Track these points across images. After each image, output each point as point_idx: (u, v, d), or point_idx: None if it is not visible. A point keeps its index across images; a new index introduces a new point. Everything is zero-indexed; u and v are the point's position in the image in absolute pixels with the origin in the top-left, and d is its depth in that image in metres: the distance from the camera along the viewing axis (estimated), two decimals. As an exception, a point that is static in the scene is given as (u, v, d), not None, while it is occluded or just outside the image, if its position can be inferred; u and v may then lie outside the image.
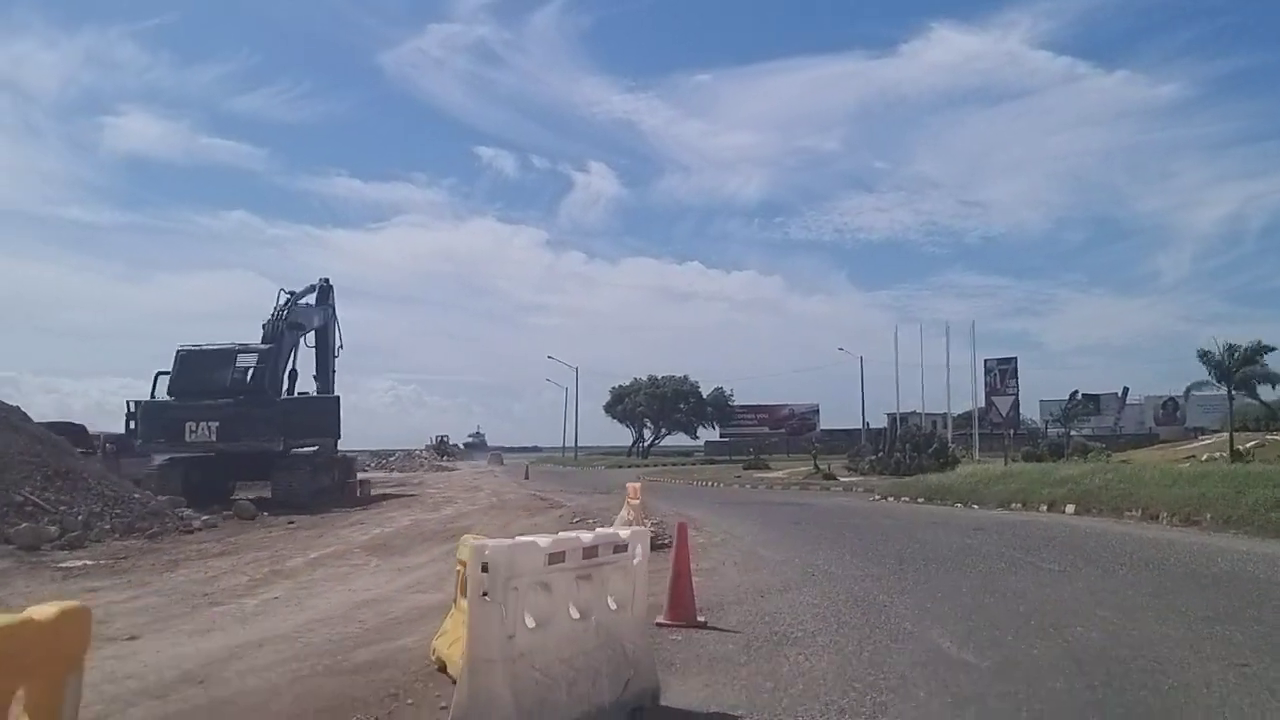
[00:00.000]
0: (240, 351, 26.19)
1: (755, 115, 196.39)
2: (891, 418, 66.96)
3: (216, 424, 24.57)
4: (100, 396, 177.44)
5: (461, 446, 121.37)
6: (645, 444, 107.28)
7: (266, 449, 25.13)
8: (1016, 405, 30.20)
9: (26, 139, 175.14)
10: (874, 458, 48.00)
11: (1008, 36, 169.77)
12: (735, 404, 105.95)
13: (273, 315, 28.36)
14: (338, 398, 29.31)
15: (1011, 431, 40.08)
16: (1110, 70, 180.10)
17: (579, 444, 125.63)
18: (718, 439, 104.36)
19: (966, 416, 73.91)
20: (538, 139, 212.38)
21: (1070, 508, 20.43)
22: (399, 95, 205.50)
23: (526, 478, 49.08)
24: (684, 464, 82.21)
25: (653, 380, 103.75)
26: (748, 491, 37.77)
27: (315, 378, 32.31)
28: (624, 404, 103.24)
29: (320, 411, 28.25)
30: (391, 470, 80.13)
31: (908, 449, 45.59)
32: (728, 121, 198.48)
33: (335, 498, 27.31)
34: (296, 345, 28.76)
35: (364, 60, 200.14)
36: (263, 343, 27.72)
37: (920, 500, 26.44)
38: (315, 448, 27.82)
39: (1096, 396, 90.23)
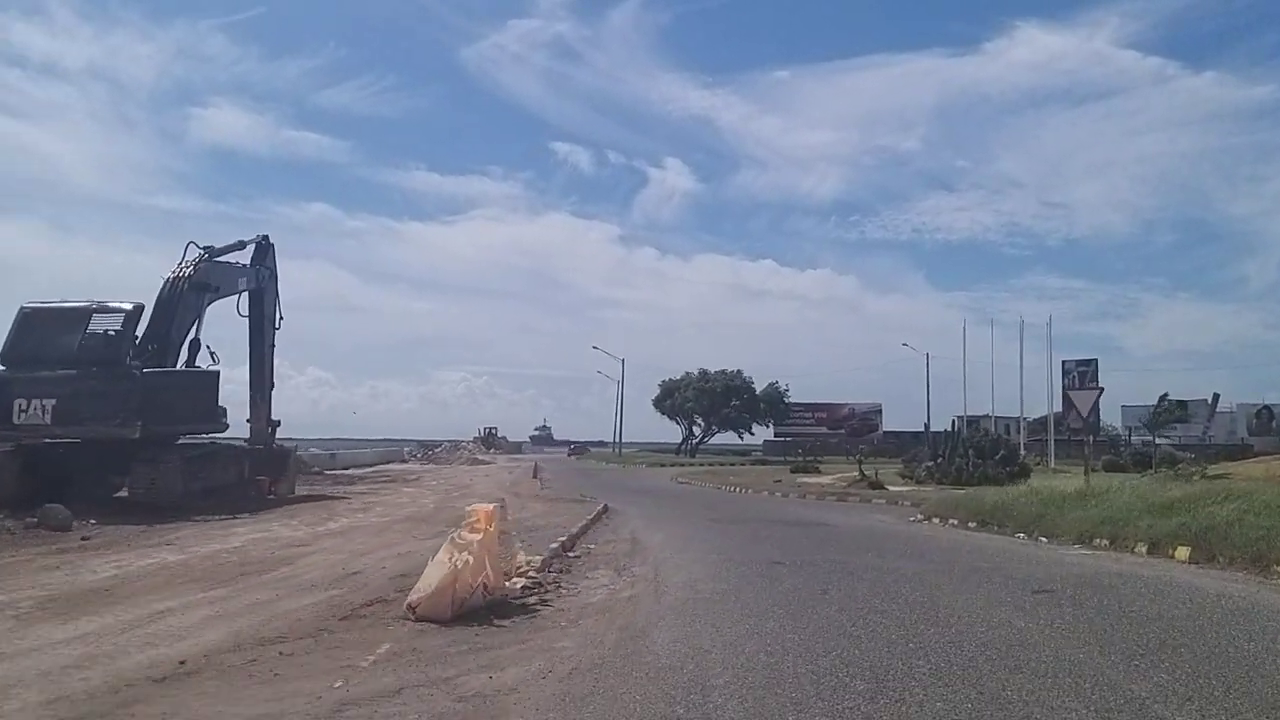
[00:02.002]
0: (97, 312, 20.61)
1: (833, 113, 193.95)
2: (956, 420, 60.13)
3: (52, 402, 19.13)
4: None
5: (507, 439, 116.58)
6: (694, 441, 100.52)
7: (118, 435, 19.63)
8: (1098, 405, 23.42)
9: (119, 130, 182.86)
10: (931, 464, 41.47)
11: (1094, 36, 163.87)
12: (791, 401, 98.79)
13: (174, 271, 22.94)
14: (216, 373, 23.51)
15: (1091, 438, 33.33)
16: (1199, 71, 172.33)
17: (633, 440, 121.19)
18: (773, 438, 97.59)
19: (1041, 421, 67.01)
20: (613, 135, 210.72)
21: (1182, 551, 13.97)
22: (478, 90, 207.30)
23: (535, 477, 43.32)
24: (733, 463, 75.90)
25: (703, 375, 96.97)
26: (773, 502, 31.57)
27: (250, 357, 26.93)
28: (673, 399, 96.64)
29: (193, 389, 22.56)
30: (425, 461, 76.40)
31: (970, 455, 39.01)
32: (805, 118, 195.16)
33: (233, 498, 21.85)
34: (202, 312, 23.22)
35: (445, 56, 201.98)
36: (161, 304, 22.33)
37: (971, 525, 20.06)
38: (207, 435, 22.46)
39: (1184, 402, 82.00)
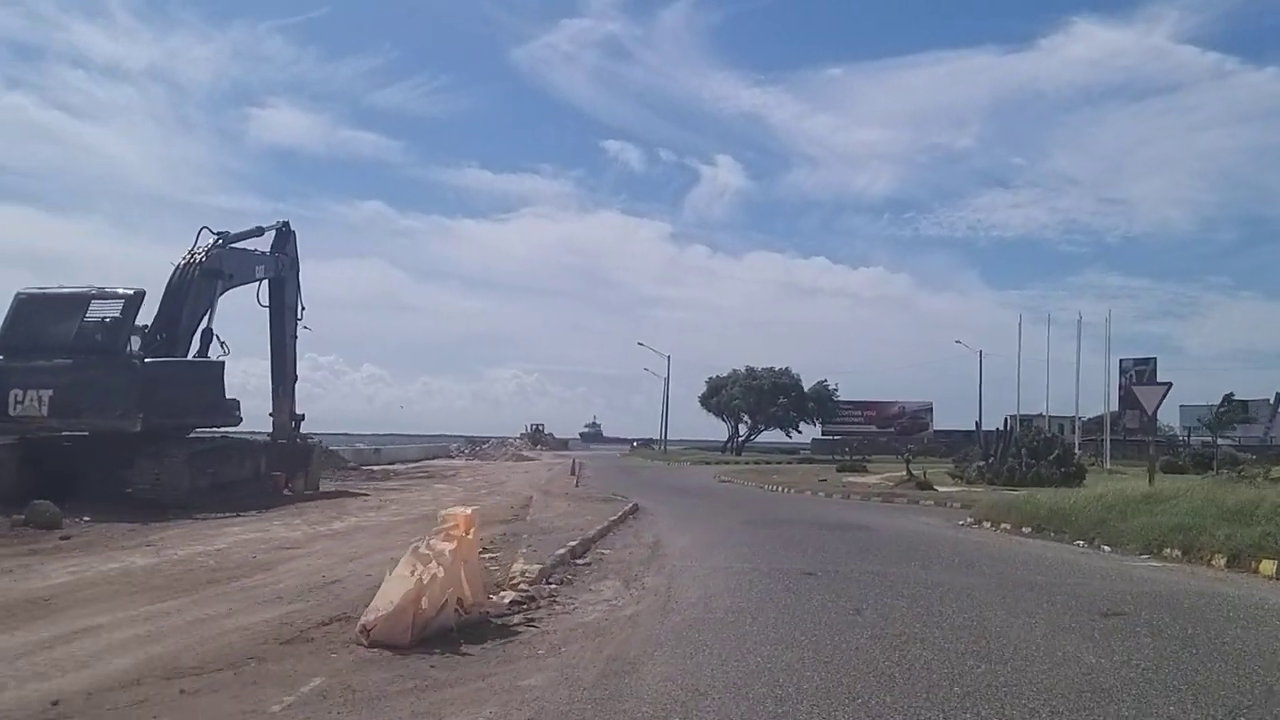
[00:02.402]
0: (95, 298, 19.57)
1: (886, 110, 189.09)
2: (1009, 419, 58.05)
3: (49, 393, 18.11)
4: (243, 379, 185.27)
5: (553, 436, 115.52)
6: (740, 439, 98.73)
7: (117, 428, 18.59)
8: (1163, 402, 21.66)
9: (179, 130, 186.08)
10: (983, 464, 39.62)
11: (1152, 31, 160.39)
12: (840, 399, 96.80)
13: (185, 258, 21.91)
14: (221, 363, 22.19)
15: (1151, 438, 31.41)
16: (1260, 66, 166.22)
17: (682, 438, 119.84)
18: (821, 436, 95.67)
19: (1097, 421, 64.71)
20: (664, 133, 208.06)
21: (1268, 566, 12.29)
22: (530, 89, 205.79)
23: (573, 474, 41.99)
24: (780, 462, 74.18)
25: (750, 372, 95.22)
26: (815, 502, 29.97)
27: (271, 349, 25.88)
28: (719, 396, 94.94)
29: (198, 380, 21.34)
30: (471, 457, 75.83)
31: (1023, 455, 37.14)
32: (858, 116, 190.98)
33: (246, 494, 20.78)
34: (215, 301, 22.15)
35: (498, 55, 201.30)
36: (171, 292, 21.32)
37: (1025, 531, 18.43)
38: (220, 428, 21.44)
39: (1245, 403, 79.05)
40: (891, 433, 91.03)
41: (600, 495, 26.18)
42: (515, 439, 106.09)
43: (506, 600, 9.37)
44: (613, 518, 18.38)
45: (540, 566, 10.94)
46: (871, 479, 44.20)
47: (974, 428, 74.23)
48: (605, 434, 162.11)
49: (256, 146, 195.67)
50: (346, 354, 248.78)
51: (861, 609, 9.41)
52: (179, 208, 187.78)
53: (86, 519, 15.80)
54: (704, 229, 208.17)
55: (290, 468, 24.46)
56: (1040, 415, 61.43)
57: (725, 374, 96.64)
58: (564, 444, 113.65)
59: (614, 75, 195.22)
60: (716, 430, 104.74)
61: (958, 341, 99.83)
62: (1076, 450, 44.94)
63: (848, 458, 60.38)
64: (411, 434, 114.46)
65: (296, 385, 26.32)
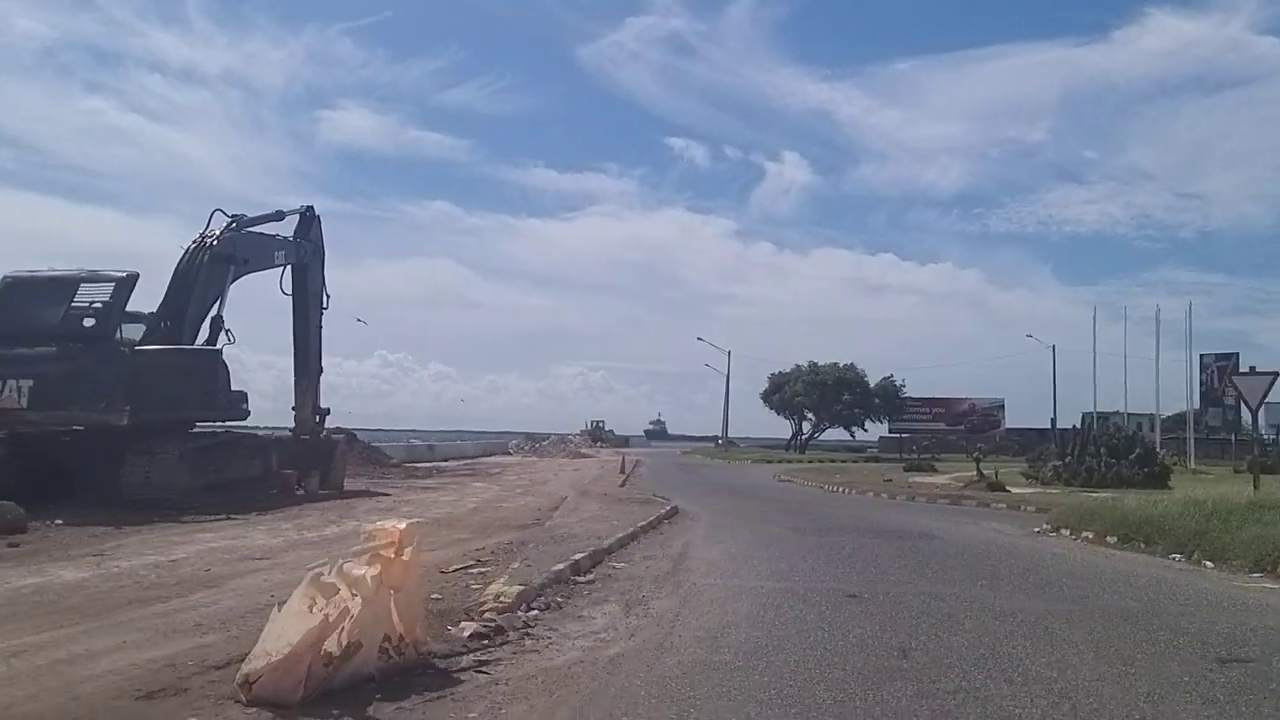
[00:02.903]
0: (85, 281, 18.09)
1: (957, 104, 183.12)
2: (1086, 416, 55.14)
3: (29, 383, 16.71)
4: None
5: (614, 433, 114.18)
6: (804, 437, 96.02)
7: (102, 422, 17.15)
8: (1266, 394, 19.23)
9: (253, 133, 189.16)
10: (1059, 464, 37.07)
11: (1229, 22, 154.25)
12: (907, 396, 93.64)
13: (194, 241, 20.51)
14: (217, 351, 20.34)
15: (1255, 436, 28.72)
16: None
17: (746, 435, 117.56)
18: (887, 434, 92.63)
19: (1177, 419, 61.45)
20: (729, 129, 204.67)
21: None
22: (595, 88, 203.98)
23: (622, 471, 40.22)
24: (844, 460, 71.70)
25: (813, 367, 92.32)
26: (876, 505, 27.84)
27: (294, 339, 24.45)
28: (781, 393, 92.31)
29: (191, 370, 19.54)
30: (529, 454, 74.77)
31: (1103, 454, 34.54)
32: (927, 111, 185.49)
33: (252, 493, 19.38)
34: (226, 287, 20.68)
35: (563, 55, 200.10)
36: (178, 277, 19.93)
37: (1110, 541, 16.18)
38: (225, 422, 20.00)
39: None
40: (961, 430, 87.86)
41: (641, 496, 24.34)
42: (575, 436, 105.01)
43: (466, 633, 7.55)
44: (643, 523, 16.53)
45: (522, 588, 9.08)
46: (939, 479, 41.84)
47: (1048, 425, 71.51)
48: (670, 431, 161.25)
49: (327, 148, 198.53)
50: (415, 351, 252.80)
51: (909, 649, 7.45)
52: (253, 208, 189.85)
53: (59, 521, 14.37)
54: (769, 226, 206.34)
55: (311, 465, 22.99)
56: (1117, 412, 58.30)
57: (788, 369, 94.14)
58: (624, 441, 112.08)
59: (679, 72, 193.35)
60: (780, 428, 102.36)
61: (1029, 336, 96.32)
62: (1158, 449, 42.06)
63: (915, 456, 57.89)
64: (477, 430, 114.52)
65: (321, 378, 24.90)
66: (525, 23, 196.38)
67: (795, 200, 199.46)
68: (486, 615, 8.11)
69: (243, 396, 20.86)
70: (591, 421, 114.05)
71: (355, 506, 19.11)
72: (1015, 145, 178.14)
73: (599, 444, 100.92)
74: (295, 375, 24.28)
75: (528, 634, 7.86)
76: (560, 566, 10.57)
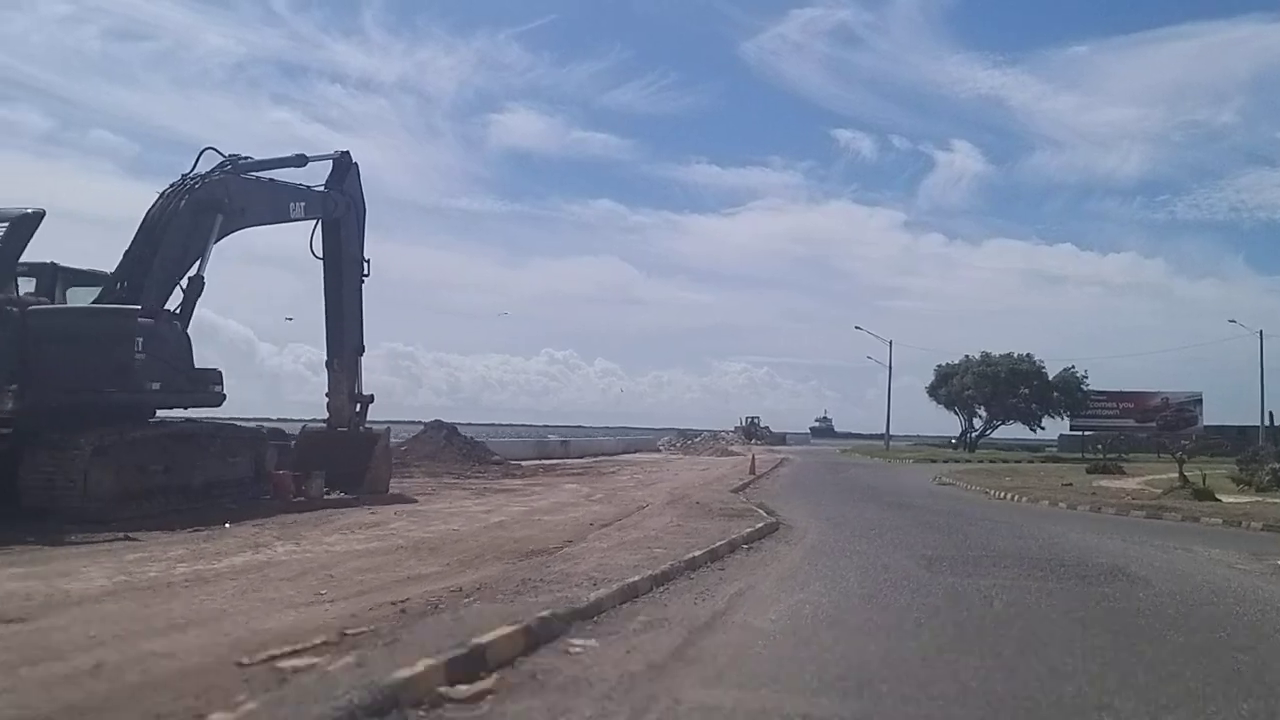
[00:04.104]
0: (-27, 227, 13.99)
1: (1137, 87, 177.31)
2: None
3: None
4: (484, 371, 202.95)
5: (769, 429, 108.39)
6: (974, 434, 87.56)
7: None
8: None
9: (427, 138, 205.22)
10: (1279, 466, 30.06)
11: None
12: (1090, 389, 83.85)
13: (172, 184, 16.56)
14: (131, 311, 14.80)
15: None
16: None
17: (913, 433, 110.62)
18: (1068, 431, 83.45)
19: None
20: (897, 119, 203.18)
21: None
22: (759, 82, 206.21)
23: (752, 472, 35.02)
24: (1018, 460, 64.43)
25: (984, 358, 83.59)
26: (1052, 518, 21.88)
27: (326, 310, 20.34)
28: (949, 386, 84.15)
29: (102, 336, 14.36)
30: (681, 451, 71.28)
31: (1341, 456, 27.53)
32: (1106, 95, 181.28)
33: (239, 497, 15.62)
34: (209, 240, 16.36)
35: (726, 50, 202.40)
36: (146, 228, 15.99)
37: None
38: (188, 408, 15.97)
39: None
40: (1152, 428, 78.49)
41: (742, 507, 19.19)
42: (728, 432, 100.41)
43: None
44: (701, 551, 11.53)
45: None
46: (1129, 483, 35.09)
47: (1254, 423, 62.56)
48: (836, 429, 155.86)
49: (496, 150, 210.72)
50: (581, 348, 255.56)
51: None
52: (427, 212, 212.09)
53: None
54: (940, 216, 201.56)
55: (344, 464, 18.84)
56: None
57: (956, 361, 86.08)
58: (781, 438, 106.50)
59: (845, 63, 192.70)
60: (949, 425, 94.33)
61: (1231, 321, 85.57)
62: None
63: (1100, 456, 50.48)
64: (640, 426, 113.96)
65: (362, 359, 20.68)
66: (688, 20, 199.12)
67: (966, 190, 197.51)
68: None
69: (212, 376, 16.58)
70: (746, 418, 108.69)
71: (340, 518, 14.68)
72: (1201, 128, 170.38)
73: (753, 441, 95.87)
74: (328, 353, 20.04)
75: None
76: (424, 667, 5.64)
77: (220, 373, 16.68)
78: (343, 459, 19.16)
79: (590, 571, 9.63)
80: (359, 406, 20.44)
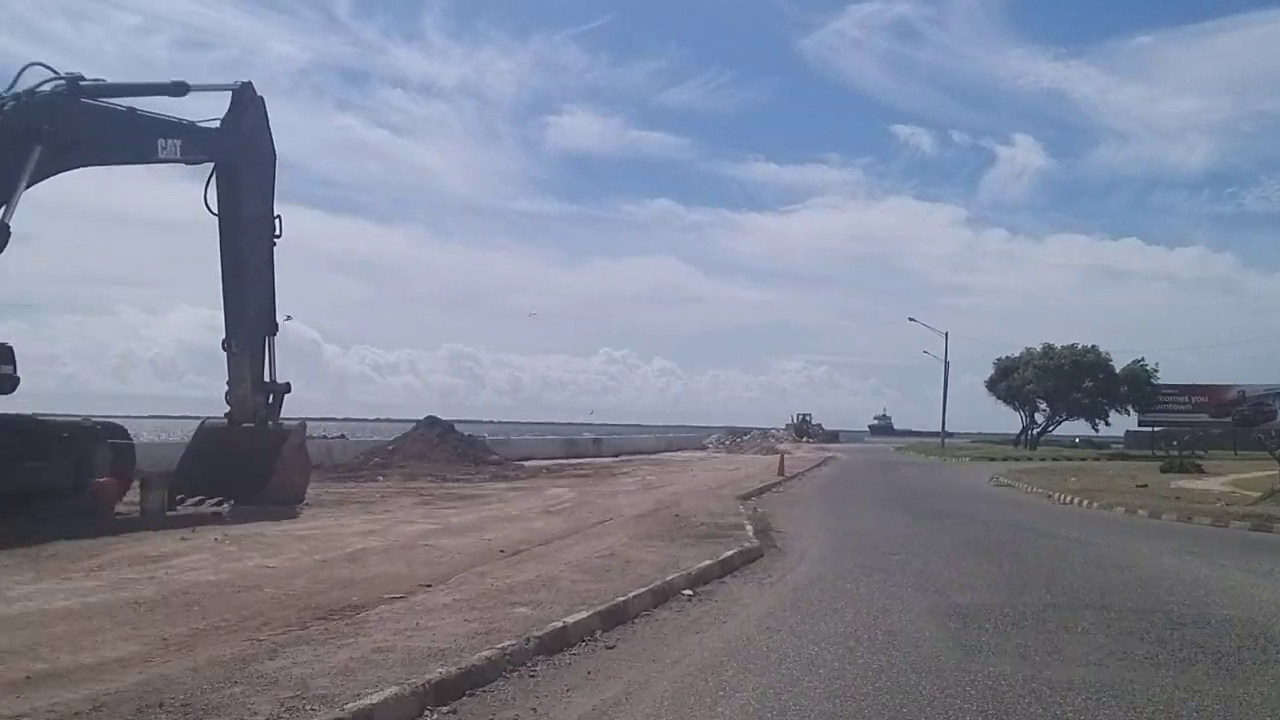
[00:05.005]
0: None
1: (1203, 78, 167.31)
2: None
3: None
4: (544, 371, 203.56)
5: (821, 427, 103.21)
6: (1035, 431, 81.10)
7: None
8: None
9: (487, 141, 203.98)
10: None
11: None
12: (1160, 383, 76.45)
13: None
14: None
15: None
16: None
17: (968, 429, 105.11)
18: (1136, 427, 76.77)
19: None
20: (958, 114, 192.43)
21: None
22: (816, 79, 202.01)
23: (780, 474, 30.43)
24: (1083, 458, 58.91)
25: (1046, 350, 76.70)
26: (1131, 532, 17.10)
27: (223, 276, 16.23)
28: (1009, 380, 77.88)
29: None
30: (728, 449, 67.71)
31: None
32: (1171, 86, 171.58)
33: (47, 511, 11.52)
34: (20, 176, 12.19)
35: (783, 47, 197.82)
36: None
37: None
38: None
39: None
40: (1228, 423, 72.02)
41: (734, 521, 14.76)
42: (778, 430, 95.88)
43: None
44: (602, 606, 7.20)
45: None
46: (1213, 484, 29.91)
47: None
48: (896, 426, 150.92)
49: (554, 152, 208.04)
50: (639, 347, 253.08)
51: None
52: (487, 214, 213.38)
53: None
54: (1001, 212, 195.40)
55: (246, 467, 14.82)
56: None
57: (1016, 354, 79.78)
58: (834, 436, 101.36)
59: (904, 58, 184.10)
60: (1009, 422, 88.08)
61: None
62: None
63: (1175, 454, 44.95)
64: (698, 425, 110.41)
65: (273, 340, 16.61)
66: (744, 17, 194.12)
67: (1029, 185, 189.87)
68: None
69: (5, 353, 12.53)
70: (797, 415, 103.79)
71: (129, 547, 10.48)
72: (1270, 118, 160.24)
73: (805, 439, 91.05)
74: (226, 332, 16.00)
75: None
76: None
77: (10, 349, 12.54)
78: (242, 462, 15.12)
79: (346, 665, 5.33)
80: (269, 398, 16.38)
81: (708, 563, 9.73)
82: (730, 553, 10.54)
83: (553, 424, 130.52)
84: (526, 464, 34.19)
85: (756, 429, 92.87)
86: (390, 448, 29.86)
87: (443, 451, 29.57)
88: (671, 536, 12.07)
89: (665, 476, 28.47)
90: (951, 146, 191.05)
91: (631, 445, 60.80)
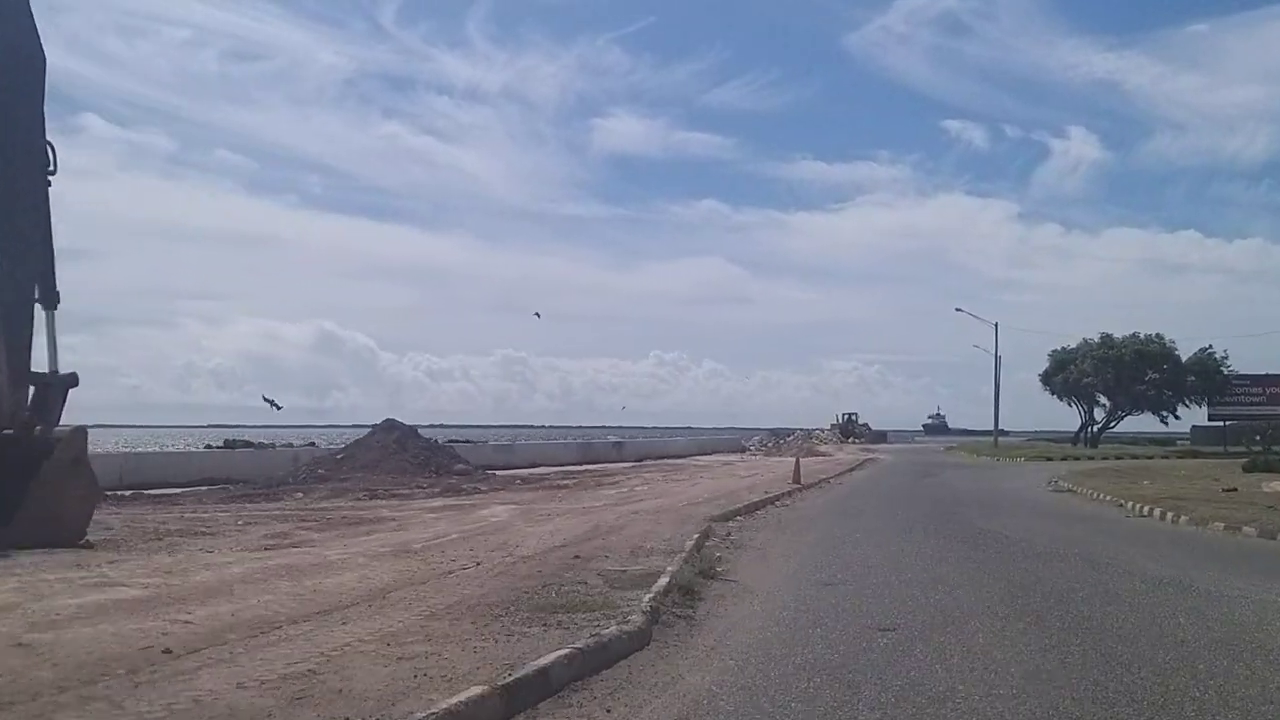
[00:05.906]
0: None
1: (1262, 65, 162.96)
2: None
3: None
4: (594, 375, 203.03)
5: (868, 427, 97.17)
6: (1095, 427, 74.13)
7: None
8: None
9: (532, 146, 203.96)
10: None
11: None
12: (1231, 373, 68.13)
13: None
14: None
15: None
16: None
17: (1025, 427, 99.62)
18: (1205, 423, 69.37)
19: None
20: (1009, 108, 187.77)
21: None
22: (863, 75, 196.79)
23: (795, 481, 25.33)
24: (1150, 456, 52.91)
25: (1105, 340, 69.51)
26: (1251, 554, 11.81)
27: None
28: (1065, 374, 70.72)
29: None
30: (768, 451, 63.65)
31: None
32: (1229, 74, 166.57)
33: None
34: None
35: (829, 44, 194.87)
36: None
37: None
38: None
39: None
40: (1307, 415, 64.87)
41: (659, 565, 9.83)
42: (822, 431, 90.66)
43: None
44: None
45: None
46: (1319, 486, 24.33)
47: None
48: (950, 425, 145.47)
49: (599, 155, 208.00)
50: (688, 350, 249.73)
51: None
52: (533, 218, 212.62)
53: None
54: (1055, 206, 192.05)
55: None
56: None
57: (1073, 345, 72.69)
58: (881, 436, 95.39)
59: (952, 52, 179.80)
60: (1067, 419, 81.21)
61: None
62: None
63: (1259, 451, 39.03)
64: (748, 427, 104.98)
65: (54, 315, 12.00)
66: (788, 16, 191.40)
67: (1083, 178, 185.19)
68: None
69: None
70: (843, 414, 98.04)
71: None
72: None
73: (850, 439, 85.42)
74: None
75: None
76: None
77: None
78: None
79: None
80: (43, 395, 11.75)
81: (480, 691, 4.81)
82: (559, 654, 5.61)
83: (601, 427, 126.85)
84: (509, 473, 29.55)
85: (801, 430, 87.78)
86: (339, 456, 25.36)
87: (399, 460, 24.97)
88: (516, 607, 7.21)
89: (659, 486, 23.67)
90: (1003, 141, 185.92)
91: (658, 449, 56.17)
